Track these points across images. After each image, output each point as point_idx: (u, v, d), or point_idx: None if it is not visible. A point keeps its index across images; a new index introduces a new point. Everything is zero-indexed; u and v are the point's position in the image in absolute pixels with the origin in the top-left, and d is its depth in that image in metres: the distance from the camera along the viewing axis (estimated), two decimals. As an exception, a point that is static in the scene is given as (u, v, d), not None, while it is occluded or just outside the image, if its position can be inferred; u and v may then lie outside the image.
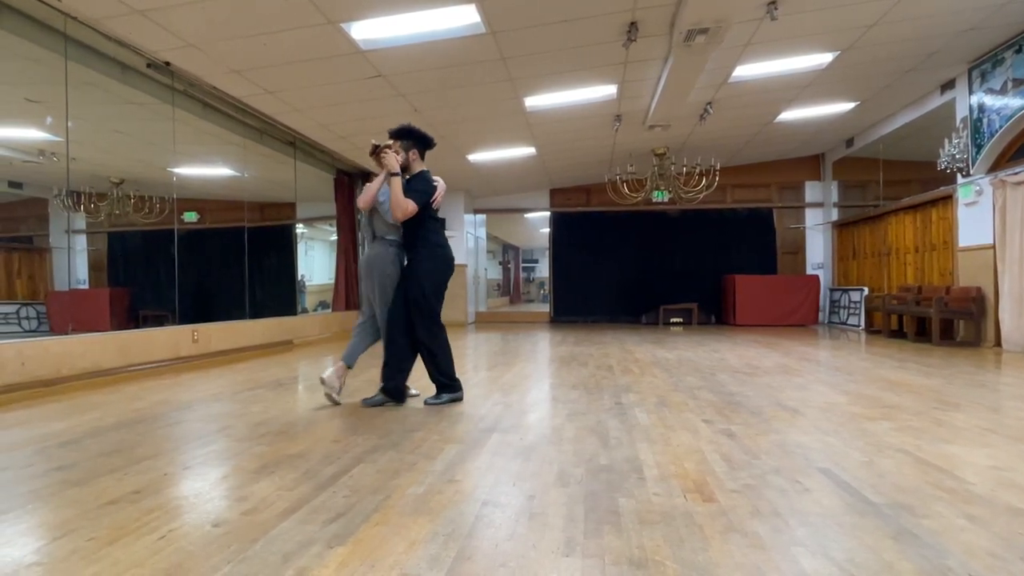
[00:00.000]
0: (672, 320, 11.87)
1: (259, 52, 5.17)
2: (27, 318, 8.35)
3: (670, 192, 10.09)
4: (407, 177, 3.83)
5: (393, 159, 3.74)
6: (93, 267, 9.68)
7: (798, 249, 11.90)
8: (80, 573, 1.55)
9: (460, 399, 3.88)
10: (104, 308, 9.07)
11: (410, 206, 3.67)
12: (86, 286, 9.53)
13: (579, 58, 5.85)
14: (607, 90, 6.85)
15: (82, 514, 1.96)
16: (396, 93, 6.31)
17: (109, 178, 8.63)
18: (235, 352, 6.73)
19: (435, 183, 3.84)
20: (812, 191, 11.77)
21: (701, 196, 9.74)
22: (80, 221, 9.15)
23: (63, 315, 8.24)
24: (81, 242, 9.50)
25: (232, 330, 6.88)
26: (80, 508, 2.01)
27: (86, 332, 5.09)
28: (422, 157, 3.93)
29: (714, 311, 11.97)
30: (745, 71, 6.56)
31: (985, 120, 6.84)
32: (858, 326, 9.87)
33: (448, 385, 3.86)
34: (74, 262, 9.22)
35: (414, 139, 3.88)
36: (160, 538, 1.76)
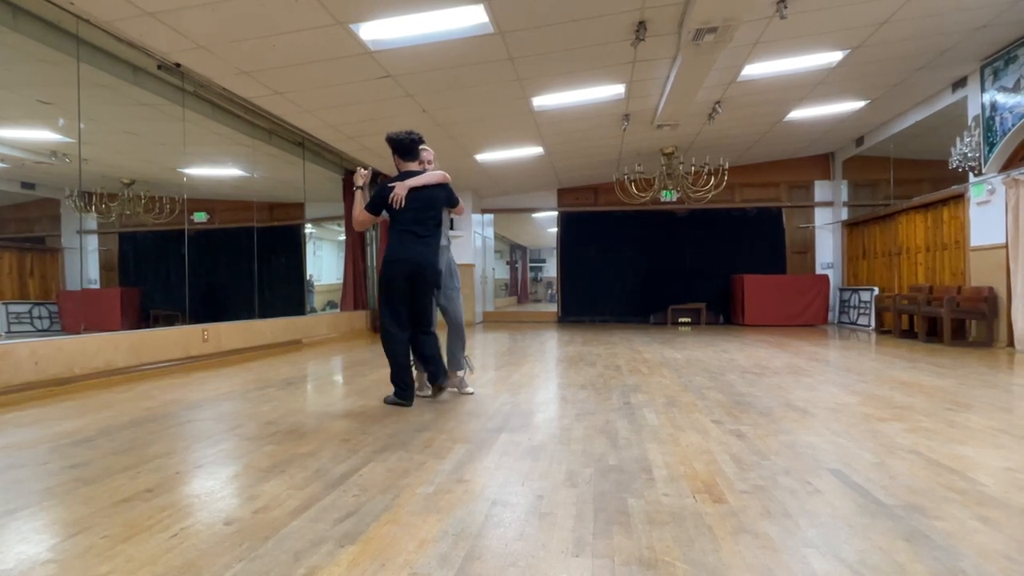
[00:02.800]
0: (680, 320, 11.84)
1: (268, 53, 5.20)
2: (39, 317, 8.42)
3: (678, 191, 10.05)
4: None
5: (358, 175, 3.92)
6: (104, 267, 9.76)
7: (807, 249, 11.83)
8: (94, 570, 1.56)
9: (403, 406, 3.74)
10: (115, 308, 9.14)
11: (360, 216, 3.85)
12: (97, 286, 9.61)
13: (587, 58, 5.84)
14: (615, 89, 6.83)
15: (96, 512, 1.98)
16: (404, 93, 6.33)
17: (120, 179, 8.70)
18: (245, 351, 6.77)
19: (393, 184, 3.76)
20: (822, 190, 11.69)
21: (710, 195, 9.70)
22: (91, 221, 9.23)
23: (75, 315, 8.32)
24: (92, 242, 9.58)
25: (242, 329, 6.93)
26: (94, 506, 2.03)
27: (98, 332, 5.13)
28: (405, 159, 3.92)
29: (723, 311, 11.92)
30: (754, 70, 6.53)
31: (997, 118, 6.78)
32: (868, 326, 9.80)
33: (395, 388, 3.81)
34: (85, 262, 9.30)
35: (390, 146, 3.94)
36: (173, 536, 1.77)
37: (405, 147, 3.88)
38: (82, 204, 8.37)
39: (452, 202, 4.03)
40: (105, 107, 6.28)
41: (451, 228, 4.32)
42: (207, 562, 1.60)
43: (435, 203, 3.88)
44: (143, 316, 9.33)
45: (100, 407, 3.83)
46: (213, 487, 2.25)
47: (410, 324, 3.85)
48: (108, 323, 8.50)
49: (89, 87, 5.20)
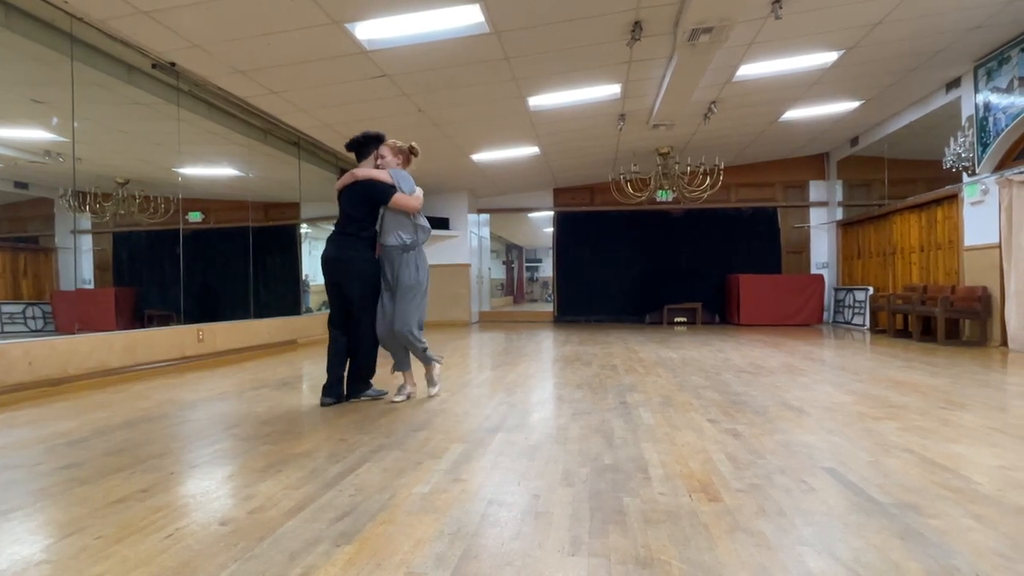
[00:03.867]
0: (676, 320, 11.85)
1: (264, 52, 5.19)
2: (33, 318, 8.38)
3: (674, 191, 10.07)
4: None
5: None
6: (98, 267, 9.71)
7: (803, 248, 11.87)
8: (88, 571, 1.55)
9: (323, 402, 3.83)
10: (110, 308, 9.09)
11: None
12: (91, 286, 9.56)
13: (583, 58, 5.84)
14: (611, 89, 6.84)
15: (90, 512, 1.97)
16: (400, 93, 6.32)
17: (114, 178, 8.65)
18: (240, 351, 6.75)
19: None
20: (817, 190, 11.73)
21: (705, 195, 9.72)
22: (85, 221, 9.18)
23: (69, 315, 8.28)
24: (86, 242, 9.52)
25: (237, 329, 6.91)
26: (88, 506, 2.02)
27: (92, 332, 5.11)
28: (358, 161, 3.99)
29: (718, 311, 11.94)
30: (749, 70, 6.54)
31: (991, 118, 6.81)
32: (863, 326, 9.84)
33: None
34: (79, 262, 9.25)
35: None
36: (167, 536, 1.76)
37: (353, 148, 3.99)
38: (76, 204, 8.32)
39: (377, 198, 3.80)
40: (99, 106, 6.25)
41: (415, 225, 3.96)
42: (202, 563, 1.59)
43: (349, 201, 3.85)
44: (138, 316, 9.28)
45: (94, 407, 3.82)
46: (208, 487, 2.24)
47: (344, 326, 3.93)
48: (102, 323, 8.45)
49: (83, 86, 5.17)
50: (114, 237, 9.78)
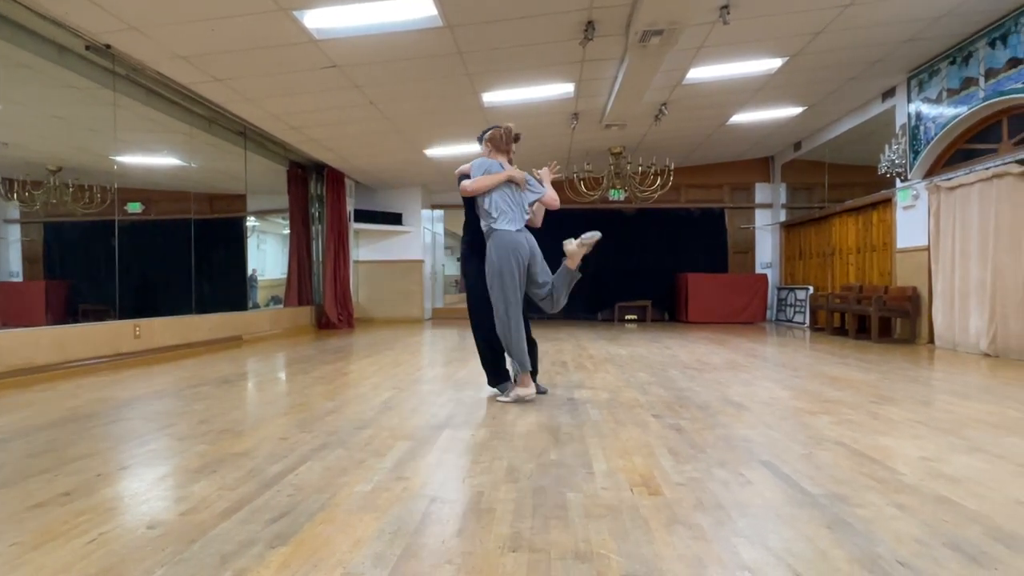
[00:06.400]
0: (627, 317, 12.04)
1: (207, 38, 5.00)
2: (-47, 312, 7.86)
3: (626, 191, 10.23)
4: None
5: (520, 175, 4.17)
6: (27, 259, 9.19)
7: (748, 248, 12.23)
8: (0, 580, 1.47)
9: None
10: (39, 302, 8.62)
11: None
12: (20, 279, 9.05)
13: (537, 55, 5.85)
14: (564, 88, 6.88)
15: (5, 518, 1.85)
16: (351, 84, 6.20)
17: (45, 165, 8.20)
18: (181, 348, 6.51)
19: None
20: (762, 192, 12.11)
21: (656, 195, 9.90)
22: (13, 210, 8.67)
23: (-7, 309, 7.80)
24: (14, 232, 9.00)
25: (177, 325, 6.65)
26: (3, 512, 1.90)
27: (19, 327, 4.83)
28: (495, 149, 4.14)
29: (667, 308, 12.19)
30: (699, 73, 6.69)
31: (922, 127, 7.17)
32: (803, 324, 10.22)
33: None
34: (6, 253, 8.74)
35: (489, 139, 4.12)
36: (90, 541, 1.68)
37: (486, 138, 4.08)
38: (2, 192, 7.86)
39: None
40: (27, 88, 5.90)
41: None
42: (126, 568, 1.52)
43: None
44: (71, 311, 8.84)
45: (18, 407, 3.61)
46: (138, 489, 2.14)
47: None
48: (31, 318, 8.01)
49: (9, 67, 4.88)
50: (45, 227, 9.27)
